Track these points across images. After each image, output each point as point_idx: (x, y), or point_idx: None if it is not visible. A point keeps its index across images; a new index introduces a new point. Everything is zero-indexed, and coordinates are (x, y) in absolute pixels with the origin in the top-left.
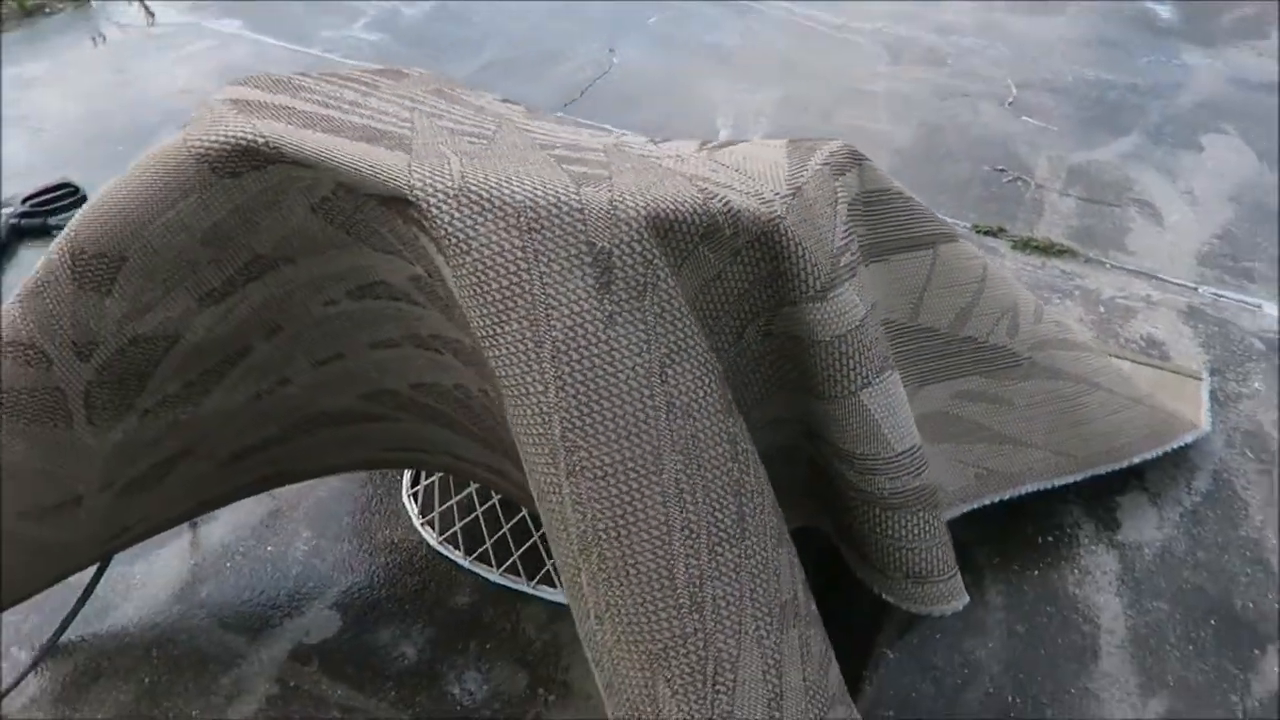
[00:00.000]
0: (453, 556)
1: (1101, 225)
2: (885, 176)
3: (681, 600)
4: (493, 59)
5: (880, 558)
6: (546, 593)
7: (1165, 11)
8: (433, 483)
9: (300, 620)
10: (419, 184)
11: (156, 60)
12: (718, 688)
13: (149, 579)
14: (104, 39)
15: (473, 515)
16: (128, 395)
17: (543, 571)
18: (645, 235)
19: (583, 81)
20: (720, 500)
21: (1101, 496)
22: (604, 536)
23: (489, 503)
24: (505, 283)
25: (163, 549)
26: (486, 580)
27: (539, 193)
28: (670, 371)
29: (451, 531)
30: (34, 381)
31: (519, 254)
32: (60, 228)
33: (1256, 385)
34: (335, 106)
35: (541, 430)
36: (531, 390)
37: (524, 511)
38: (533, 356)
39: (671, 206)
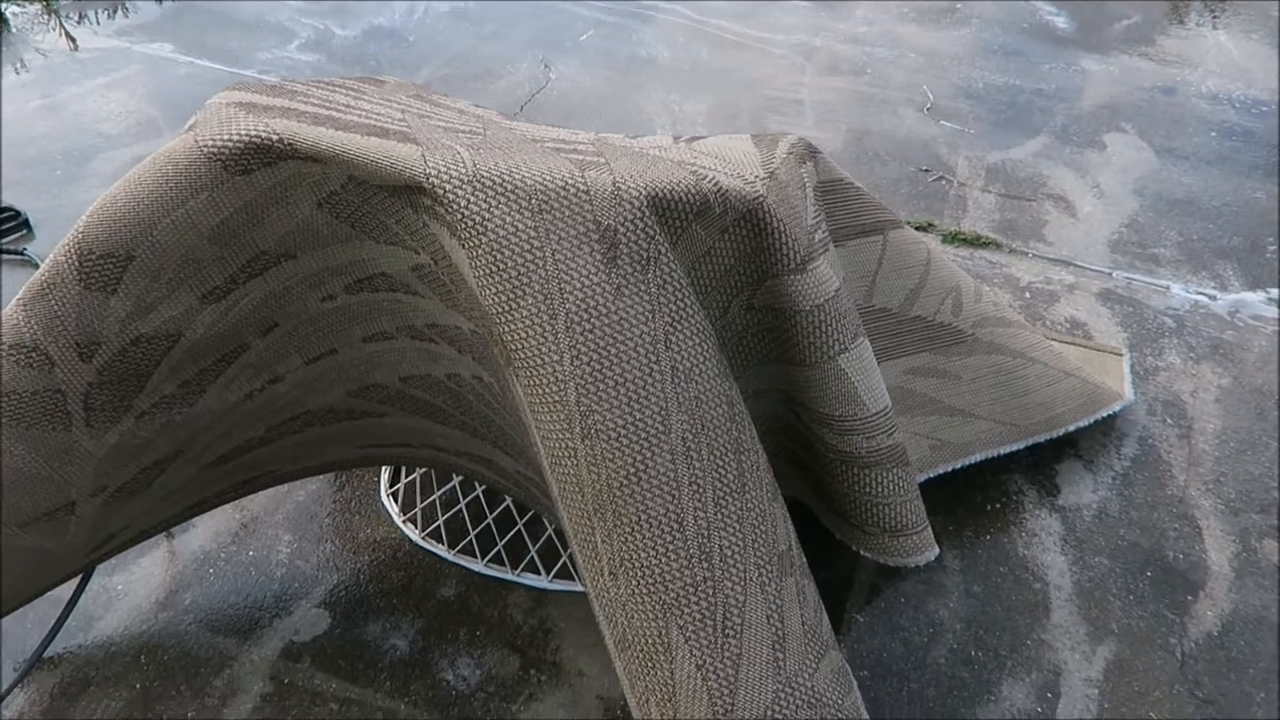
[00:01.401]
0: (436, 551)
1: (1021, 219)
2: (837, 168)
3: (691, 550)
4: (430, 76)
5: (859, 514)
6: (530, 579)
7: (1062, 22)
8: (412, 481)
9: (289, 620)
10: (434, 172)
11: (85, 84)
12: (727, 632)
13: (131, 588)
14: (24, 66)
15: (455, 509)
16: (126, 396)
17: (526, 559)
18: (647, 213)
19: (522, 97)
20: (722, 457)
21: (1041, 465)
22: (619, 493)
23: (472, 494)
24: (520, 260)
25: (142, 558)
26: (471, 571)
27: (547, 177)
28: (673, 338)
29: (434, 526)
30: (36, 384)
31: (532, 233)
32: (5, 251)
33: (1171, 359)
34: (333, 107)
35: (558, 397)
36: (547, 360)
37: (508, 501)
38: (548, 328)
39: (668, 187)
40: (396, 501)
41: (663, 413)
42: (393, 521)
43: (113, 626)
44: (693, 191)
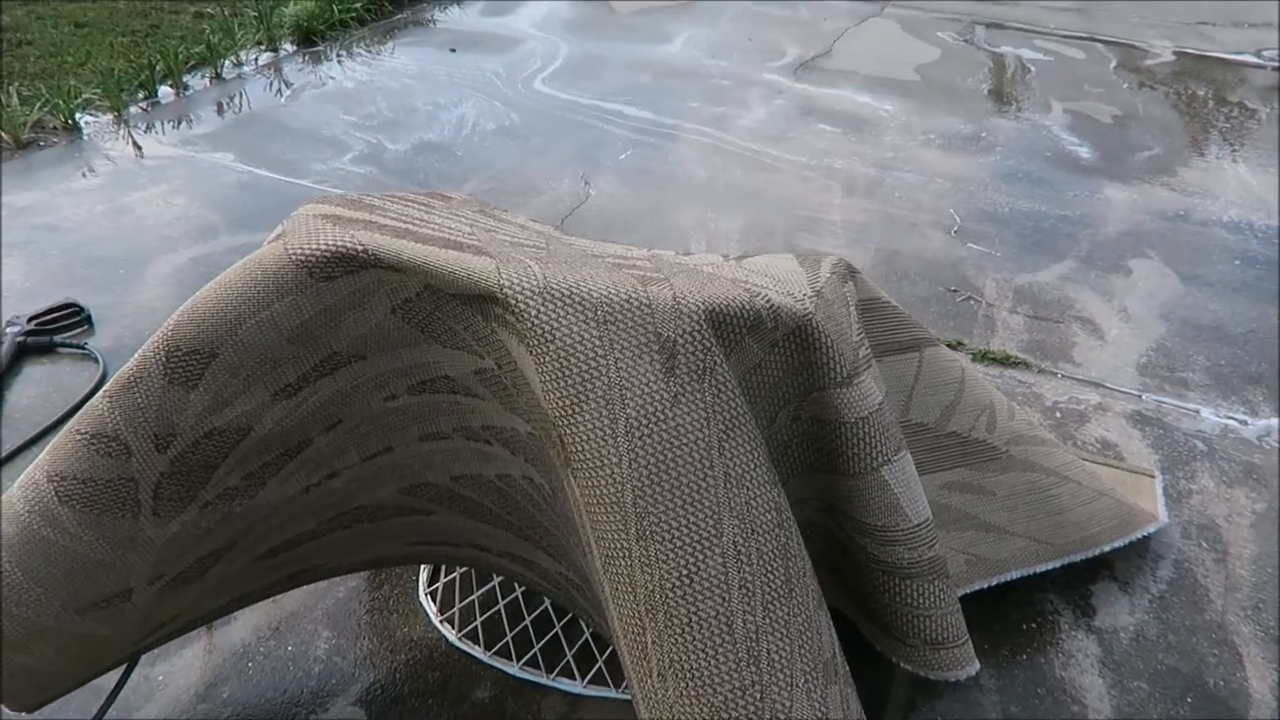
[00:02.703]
0: (472, 651)
1: (1050, 339)
2: (875, 287)
3: (740, 653)
4: (476, 189)
5: (899, 625)
6: (565, 684)
7: (1084, 152)
8: (451, 580)
9: (325, 717)
10: (508, 283)
11: (149, 190)
12: None
13: (171, 679)
14: (93, 171)
15: (493, 609)
16: (193, 487)
17: (562, 663)
18: (704, 326)
19: (563, 210)
20: (771, 562)
21: (1075, 584)
22: (671, 594)
23: (511, 595)
24: (584, 368)
25: (184, 650)
26: (507, 673)
27: (612, 290)
28: (727, 445)
29: (471, 627)
30: (112, 472)
31: (596, 343)
32: (67, 345)
33: (1204, 482)
34: (409, 221)
35: (615, 498)
36: (606, 463)
37: (546, 603)
38: (608, 433)
39: (724, 302)
40: (435, 601)
41: (715, 516)
42: (430, 621)
43: (152, 716)
44: (747, 307)
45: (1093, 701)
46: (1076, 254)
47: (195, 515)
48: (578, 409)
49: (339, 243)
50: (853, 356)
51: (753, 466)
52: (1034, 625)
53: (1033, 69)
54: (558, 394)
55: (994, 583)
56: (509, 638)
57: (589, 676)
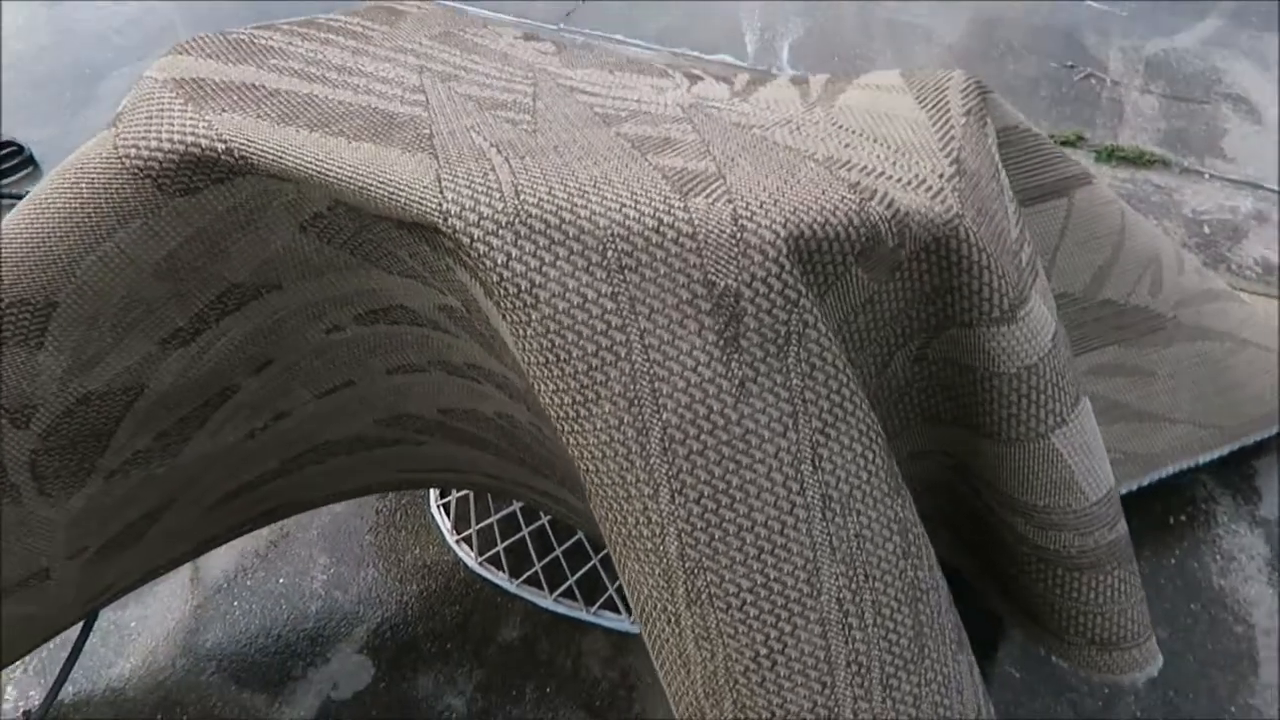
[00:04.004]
0: (496, 579)
1: (1193, 127)
2: (1011, 110)
3: None
4: None
5: (1058, 621)
6: (609, 620)
7: None
8: (465, 495)
9: (325, 669)
10: (455, 209)
11: None
12: None
13: (145, 627)
14: None
15: (518, 535)
16: (86, 458)
17: (604, 596)
18: (787, 265)
19: None
20: (893, 615)
21: (1234, 462)
22: (744, 681)
23: (537, 522)
24: (591, 347)
25: (158, 586)
26: (538, 607)
27: (629, 211)
28: (825, 452)
29: (492, 552)
30: None
31: (609, 304)
32: (8, 197)
33: None
34: (319, 78)
35: (652, 545)
36: (635, 494)
37: (580, 534)
38: (635, 449)
39: (819, 219)
40: (448, 515)
41: (809, 565)
42: (444, 540)
43: (125, 675)
44: (856, 223)
45: (1261, 619)
46: (1223, 8)
47: (103, 486)
48: (585, 411)
49: (190, 139)
50: (1016, 275)
51: (866, 476)
52: (1183, 518)
53: None
54: (552, 386)
55: (1145, 482)
56: (538, 567)
57: None
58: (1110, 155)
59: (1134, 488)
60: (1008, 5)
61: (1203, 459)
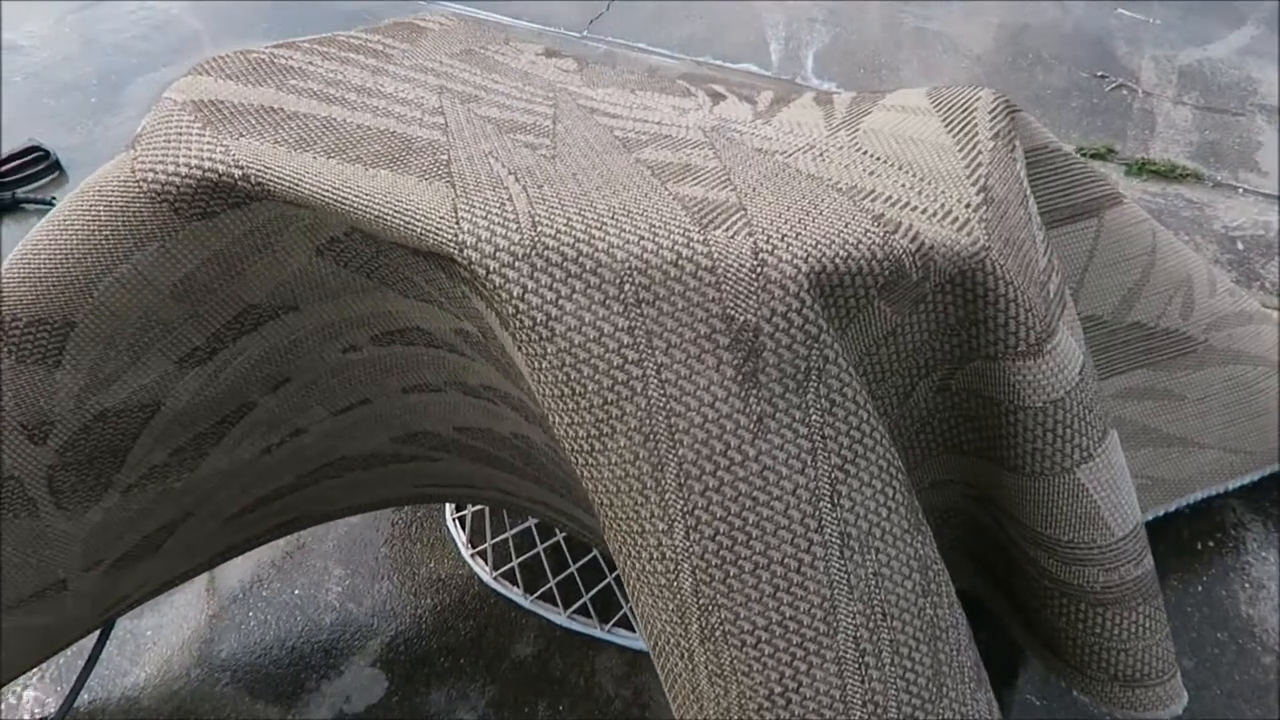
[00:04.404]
0: (510, 595)
1: (1227, 139)
2: (1040, 129)
3: None
4: None
5: (1080, 656)
6: (623, 637)
7: None
8: (481, 509)
9: (339, 682)
10: (471, 239)
11: None
12: None
13: (161, 636)
14: None
15: (532, 551)
16: (103, 473)
17: (619, 615)
18: (808, 300)
19: None
20: (912, 654)
21: (1265, 486)
22: (756, 719)
23: (552, 539)
24: (607, 381)
25: (174, 596)
26: (552, 623)
27: (648, 244)
28: (844, 489)
29: (508, 567)
30: None
31: (625, 338)
32: (32, 202)
33: None
34: (339, 100)
35: (666, 581)
36: (650, 529)
37: (595, 552)
38: (650, 484)
39: (841, 253)
40: (464, 529)
41: (827, 604)
42: (459, 554)
43: (140, 684)
44: (879, 257)
45: None
46: (1259, 16)
47: (120, 500)
48: (600, 445)
49: (206, 165)
50: (1044, 307)
51: (885, 514)
52: (1211, 544)
53: None
54: (567, 419)
55: (1173, 508)
56: (553, 583)
57: None
58: (1141, 169)
59: (1161, 513)
60: (1036, 13)
61: (1233, 484)
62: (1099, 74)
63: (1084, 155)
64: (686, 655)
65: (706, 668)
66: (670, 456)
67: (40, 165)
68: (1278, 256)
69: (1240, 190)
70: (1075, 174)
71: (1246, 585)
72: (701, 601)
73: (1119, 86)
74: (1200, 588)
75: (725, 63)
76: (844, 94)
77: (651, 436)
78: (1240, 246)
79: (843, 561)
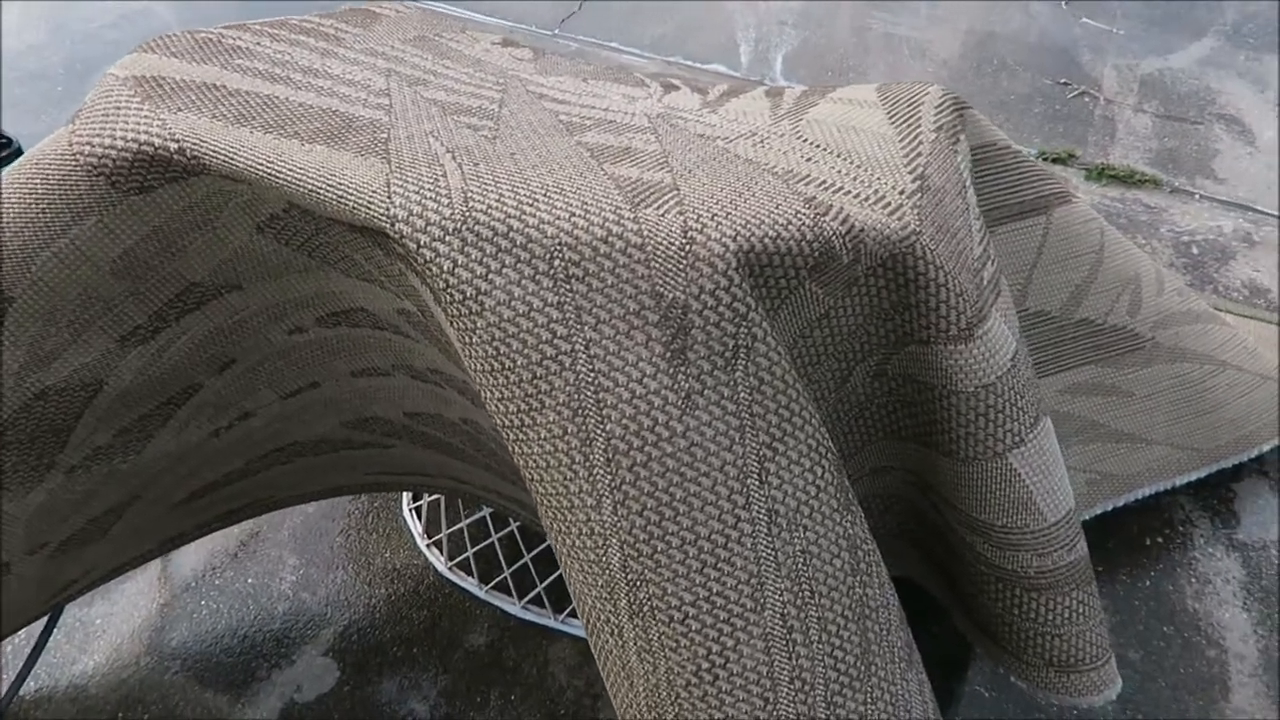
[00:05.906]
0: (465, 585)
1: (1185, 147)
2: (989, 126)
3: None
4: None
5: (1017, 642)
6: (577, 627)
7: None
8: (437, 500)
9: (290, 672)
10: (403, 213)
11: None
12: None
13: (111, 624)
14: None
15: (487, 542)
16: (45, 453)
17: (571, 605)
18: (736, 279)
19: None
20: (839, 633)
21: (1213, 484)
22: (685, 695)
23: (506, 529)
24: (536, 355)
25: (126, 583)
26: (506, 613)
27: (578, 220)
28: (772, 466)
29: (463, 557)
30: None
31: (554, 313)
32: None
33: None
34: (283, 79)
35: (594, 556)
36: (578, 505)
37: (550, 540)
38: (579, 459)
39: (770, 233)
40: (420, 520)
41: (754, 580)
42: (414, 544)
43: (89, 672)
44: (809, 238)
45: (1233, 644)
46: (1220, 29)
47: (64, 481)
48: (529, 420)
49: (143, 138)
50: (975, 293)
51: (814, 492)
52: (1160, 540)
53: None
54: (497, 394)
55: (1121, 503)
56: (507, 574)
57: None
58: (1101, 174)
59: (1110, 508)
60: (1003, 20)
61: (1180, 481)
62: (1062, 81)
63: (1045, 160)
64: (616, 631)
65: (636, 643)
66: (598, 431)
67: (3, 154)
68: (1231, 261)
69: (1197, 196)
70: (1024, 171)
71: (1193, 580)
72: (630, 577)
73: (1082, 94)
74: (1148, 582)
75: (695, 63)
76: (796, 87)
77: (580, 411)
78: (1195, 251)
79: (770, 539)
